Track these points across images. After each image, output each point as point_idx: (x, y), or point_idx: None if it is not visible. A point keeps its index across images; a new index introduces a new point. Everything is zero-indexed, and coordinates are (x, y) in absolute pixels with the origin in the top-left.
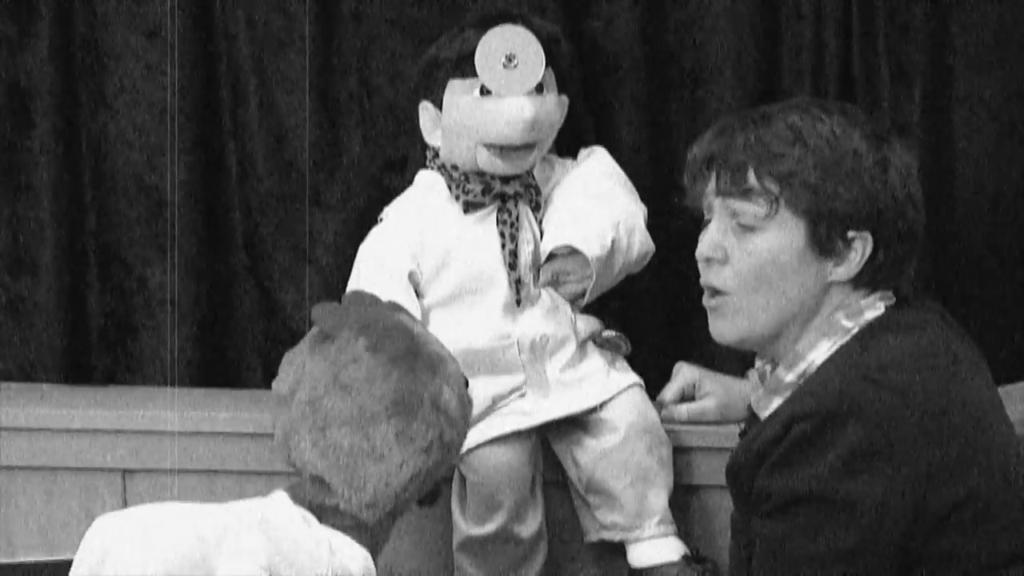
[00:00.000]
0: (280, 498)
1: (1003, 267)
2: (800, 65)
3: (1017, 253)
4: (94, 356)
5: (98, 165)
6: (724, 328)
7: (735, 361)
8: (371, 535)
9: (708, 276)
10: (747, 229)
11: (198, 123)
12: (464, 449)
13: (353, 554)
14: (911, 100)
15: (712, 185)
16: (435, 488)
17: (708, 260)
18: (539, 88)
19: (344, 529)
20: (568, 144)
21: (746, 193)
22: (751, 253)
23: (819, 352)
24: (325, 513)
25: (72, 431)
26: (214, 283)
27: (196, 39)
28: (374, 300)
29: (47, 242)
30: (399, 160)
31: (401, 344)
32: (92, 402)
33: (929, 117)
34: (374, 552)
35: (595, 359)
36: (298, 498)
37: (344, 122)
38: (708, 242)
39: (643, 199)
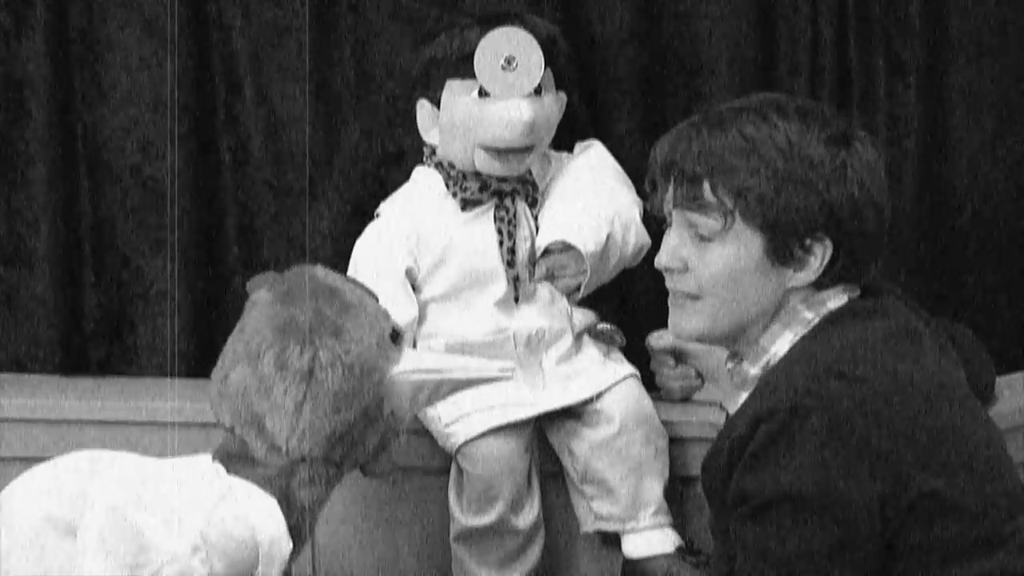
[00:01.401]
0: (203, 456)
1: (1000, 258)
2: (796, 57)
3: (1014, 244)
4: (90, 347)
5: (94, 156)
6: (684, 325)
7: None
8: (286, 485)
9: (671, 282)
10: (705, 239)
11: (193, 115)
12: (462, 440)
13: (254, 501)
14: (908, 92)
15: (670, 193)
16: (374, 454)
17: (667, 269)
18: (537, 90)
19: (257, 480)
20: (564, 138)
21: (702, 207)
22: (709, 264)
23: (781, 344)
24: (239, 464)
25: (68, 422)
26: (209, 275)
27: (192, 30)
28: (311, 269)
29: (43, 233)
30: (396, 153)
31: (295, 285)
32: (88, 393)
33: (926, 109)
34: (294, 505)
35: (591, 351)
36: (219, 453)
37: (341, 114)
38: (667, 252)
39: (639, 192)
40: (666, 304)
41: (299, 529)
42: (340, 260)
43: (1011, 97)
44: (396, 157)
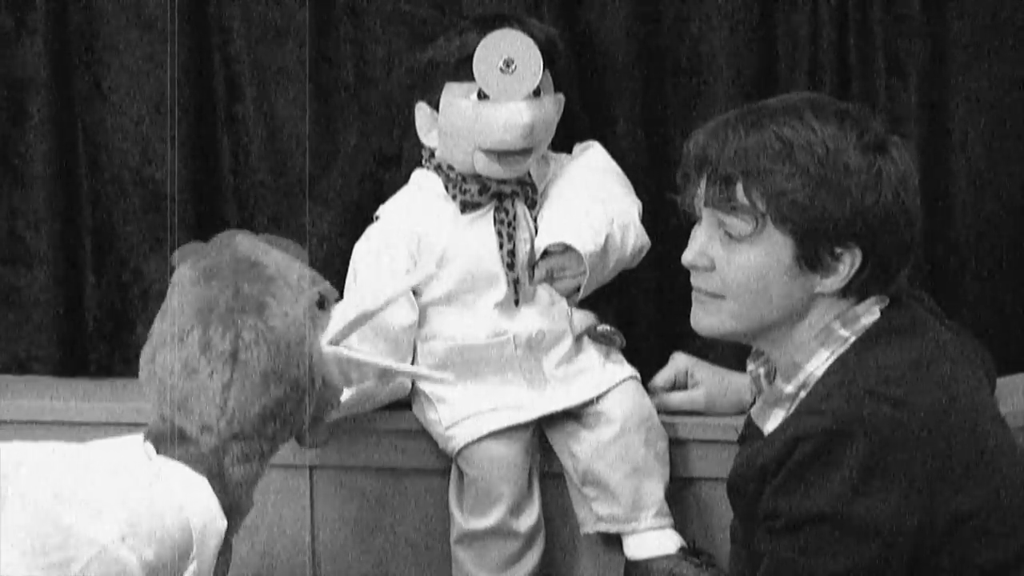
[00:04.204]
0: (134, 437)
1: (1001, 259)
2: (796, 57)
3: (1014, 245)
4: (90, 348)
5: (94, 157)
6: (707, 322)
7: (729, 354)
8: (218, 463)
9: (696, 280)
10: (734, 240)
11: (193, 115)
12: (462, 443)
13: (183, 482)
14: (907, 91)
15: (702, 190)
16: (310, 425)
17: (694, 267)
18: (536, 92)
19: (188, 459)
20: (563, 139)
21: (733, 208)
22: (737, 265)
23: (817, 362)
24: (170, 444)
25: (68, 423)
26: None
27: (191, 31)
28: (237, 234)
29: (43, 234)
30: (395, 154)
31: (214, 261)
32: (87, 394)
33: (925, 108)
34: (229, 482)
35: (591, 353)
36: (151, 434)
37: (340, 115)
38: (694, 250)
39: (639, 192)
40: (666, 304)
41: (237, 505)
42: (339, 260)
43: (1011, 97)
44: (395, 158)
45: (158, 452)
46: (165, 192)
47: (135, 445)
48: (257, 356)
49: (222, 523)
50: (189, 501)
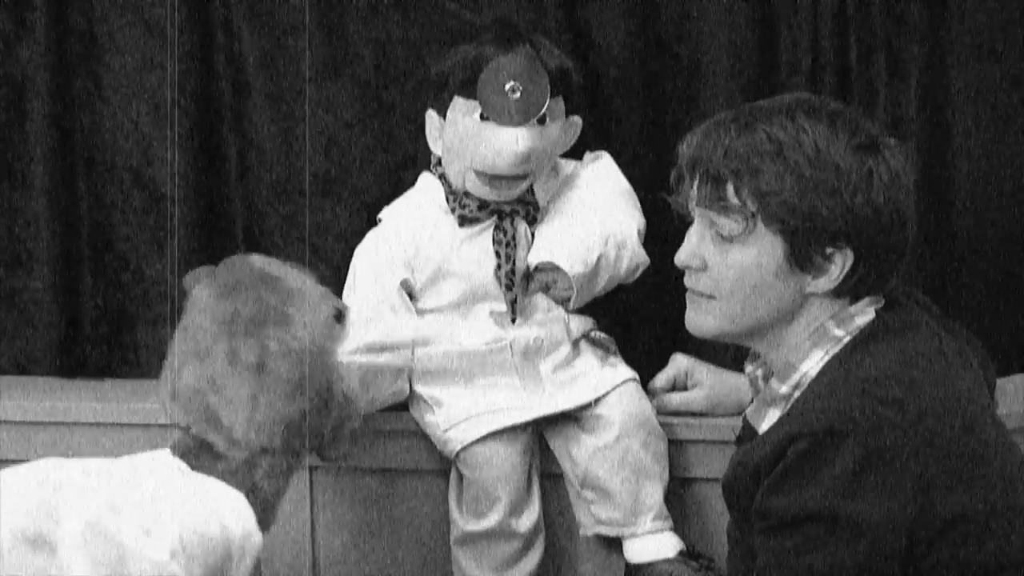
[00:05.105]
0: (162, 452)
1: (1001, 260)
2: (796, 58)
3: (1014, 245)
4: (89, 349)
5: (94, 158)
6: (700, 323)
7: (728, 356)
8: (250, 478)
9: (688, 280)
10: (726, 240)
11: (195, 115)
12: (460, 445)
13: (223, 497)
14: (908, 92)
15: (694, 190)
16: (331, 439)
17: (686, 267)
18: (542, 119)
19: (221, 474)
20: (573, 146)
21: (724, 208)
22: (729, 265)
23: (812, 363)
24: (202, 460)
25: (67, 424)
26: None
27: (194, 31)
28: (247, 259)
29: (42, 235)
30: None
31: (236, 277)
32: (87, 396)
33: (926, 110)
34: (259, 496)
35: (589, 356)
36: (178, 449)
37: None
38: (687, 250)
39: (636, 192)
40: (666, 307)
41: (265, 520)
42: None
43: (1011, 97)
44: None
45: (192, 467)
46: (165, 193)
47: (168, 460)
48: (283, 367)
49: (259, 539)
50: (229, 517)
